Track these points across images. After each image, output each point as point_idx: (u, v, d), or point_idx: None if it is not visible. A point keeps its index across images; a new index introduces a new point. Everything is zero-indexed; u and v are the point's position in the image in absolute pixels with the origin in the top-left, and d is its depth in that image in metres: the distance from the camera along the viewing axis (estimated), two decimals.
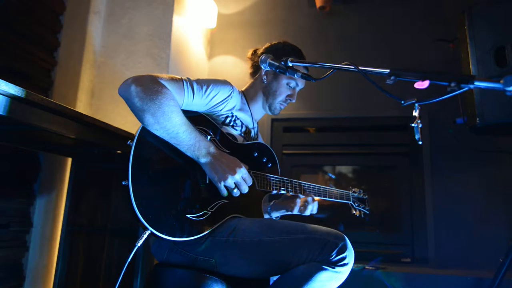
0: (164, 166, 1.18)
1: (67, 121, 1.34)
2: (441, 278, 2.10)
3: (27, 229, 2.09)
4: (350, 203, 1.87)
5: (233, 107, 1.43)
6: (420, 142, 0.98)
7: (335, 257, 1.12)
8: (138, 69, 2.43)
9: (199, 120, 1.30)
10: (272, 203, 1.68)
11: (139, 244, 1.10)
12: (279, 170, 1.56)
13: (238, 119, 1.47)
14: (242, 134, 1.50)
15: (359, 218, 1.91)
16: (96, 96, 2.44)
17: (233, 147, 1.37)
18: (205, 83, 1.32)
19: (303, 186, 1.59)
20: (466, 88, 0.91)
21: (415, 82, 0.96)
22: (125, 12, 2.54)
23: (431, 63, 2.69)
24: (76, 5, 2.40)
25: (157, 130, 1.13)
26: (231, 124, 1.44)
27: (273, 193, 1.47)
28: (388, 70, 1.00)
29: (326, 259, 1.12)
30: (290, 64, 1.25)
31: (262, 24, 3.06)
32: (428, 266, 2.45)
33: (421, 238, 2.52)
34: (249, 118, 1.56)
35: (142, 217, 1.05)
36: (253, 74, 1.65)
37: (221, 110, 1.38)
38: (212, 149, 1.22)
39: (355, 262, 1.19)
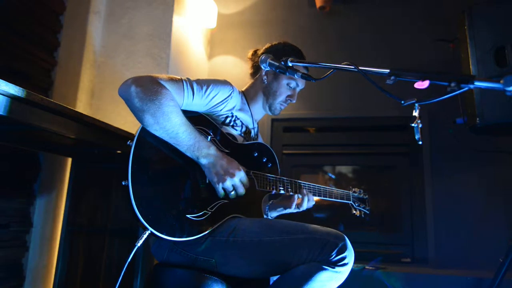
0: (164, 166, 1.18)
1: (67, 121, 1.34)
2: (441, 278, 2.10)
3: (27, 229, 2.09)
4: (351, 203, 1.87)
5: (233, 107, 1.43)
6: (420, 142, 0.98)
7: (335, 257, 1.12)
8: (138, 69, 2.43)
9: (199, 120, 1.30)
10: (270, 202, 1.68)
11: (139, 244, 1.10)
12: (279, 170, 1.56)
13: (238, 119, 1.47)
14: (242, 134, 1.50)
15: (359, 218, 1.91)
16: (96, 96, 2.44)
17: (233, 147, 1.37)
18: (205, 83, 1.32)
19: (303, 186, 1.59)
20: (466, 88, 0.91)
21: (415, 82, 0.96)
22: (125, 12, 2.54)
23: (431, 63, 2.69)
24: (76, 5, 2.40)
25: (156, 130, 1.13)
26: (231, 124, 1.44)
27: (273, 193, 1.47)
28: (388, 70, 1.00)
29: (326, 259, 1.12)
30: (290, 64, 1.25)
31: (262, 24, 3.06)
32: (428, 266, 2.45)
33: (421, 238, 2.52)
34: (249, 118, 1.56)
35: (142, 217, 1.05)
36: (253, 74, 1.65)
37: (221, 110, 1.38)
38: (212, 149, 1.22)
39: (355, 262, 1.19)
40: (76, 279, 2.02)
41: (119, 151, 1.71)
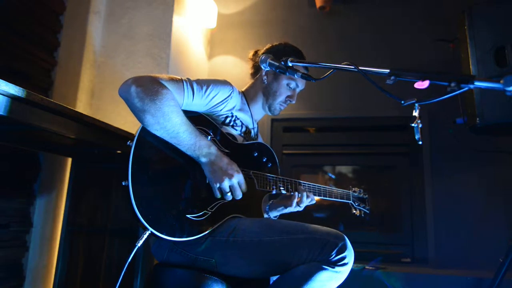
0: (164, 166, 1.18)
1: (67, 121, 1.34)
2: (441, 278, 2.10)
3: (27, 229, 2.09)
4: (351, 203, 1.87)
5: (233, 107, 1.43)
6: (420, 142, 0.98)
7: (335, 257, 1.12)
8: (138, 69, 2.43)
9: (199, 120, 1.30)
10: (270, 202, 1.68)
11: (139, 244, 1.10)
12: (279, 170, 1.56)
13: (238, 119, 1.47)
14: (242, 134, 1.50)
15: (359, 218, 1.91)
16: (96, 96, 2.44)
17: (233, 147, 1.37)
18: (205, 83, 1.32)
19: (303, 185, 1.59)
20: (466, 88, 0.91)
21: (415, 82, 0.96)
22: (125, 12, 2.54)
23: (431, 63, 2.69)
24: (76, 5, 2.40)
25: (157, 130, 1.13)
26: (231, 124, 1.44)
27: (273, 192, 1.47)
28: (388, 70, 1.00)
29: (326, 259, 1.12)
30: (290, 64, 1.25)
31: (262, 24, 3.06)
32: (428, 266, 2.45)
33: (421, 238, 2.52)
34: (249, 118, 1.56)
35: (142, 217, 1.05)
36: (253, 74, 1.65)
37: (221, 110, 1.38)
38: (213, 149, 1.22)
39: (355, 262, 1.19)
40: (76, 279, 2.02)
41: (119, 151, 1.71)
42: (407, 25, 2.83)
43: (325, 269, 1.12)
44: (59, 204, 2.18)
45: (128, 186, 1.05)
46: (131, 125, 1.89)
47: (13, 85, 1.08)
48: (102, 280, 1.99)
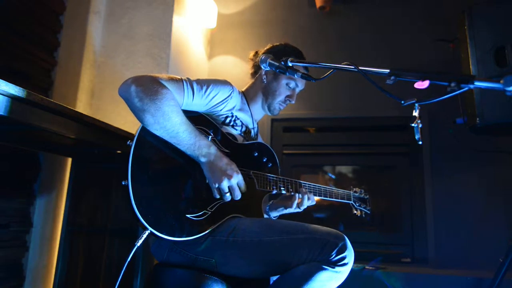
0: (164, 166, 1.18)
1: (67, 121, 1.34)
2: (441, 278, 2.10)
3: (27, 229, 2.09)
4: (351, 203, 1.87)
5: (233, 107, 1.43)
6: (420, 142, 0.98)
7: (335, 257, 1.12)
8: (138, 69, 2.43)
9: (199, 120, 1.30)
10: (270, 203, 1.68)
11: (138, 244, 1.10)
12: (279, 170, 1.56)
13: (238, 119, 1.47)
14: (242, 134, 1.50)
15: (360, 218, 1.91)
16: (96, 96, 2.44)
17: (233, 147, 1.37)
18: (205, 83, 1.32)
19: (303, 186, 1.59)
20: (466, 88, 0.91)
21: (415, 82, 0.96)
22: (125, 12, 2.54)
23: (431, 63, 2.69)
24: (76, 5, 2.40)
25: (157, 130, 1.13)
26: (231, 124, 1.44)
27: (273, 193, 1.47)
28: (388, 70, 1.00)
29: (326, 259, 1.12)
30: (290, 64, 1.25)
31: (262, 24, 3.06)
32: (428, 266, 2.45)
33: (421, 238, 2.52)
34: (249, 118, 1.56)
35: (142, 217, 1.05)
36: (253, 74, 1.66)
37: (221, 110, 1.38)
38: (213, 149, 1.22)
39: (355, 262, 1.19)
40: (76, 279, 2.02)
41: (119, 151, 1.71)
42: (407, 25, 2.83)
43: (325, 269, 1.12)
44: (59, 204, 2.18)
45: (128, 185, 1.05)
46: (131, 125, 1.89)
47: (13, 85, 1.08)
48: (102, 280, 1.99)
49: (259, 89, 1.60)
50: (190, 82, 1.28)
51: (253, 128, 1.61)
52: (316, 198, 1.63)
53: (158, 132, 1.14)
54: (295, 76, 1.24)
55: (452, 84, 0.91)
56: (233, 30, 3.10)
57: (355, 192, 1.90)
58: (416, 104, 0.98)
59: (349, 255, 1.15)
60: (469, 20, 1.97)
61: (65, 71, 2.31)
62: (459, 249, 2.43)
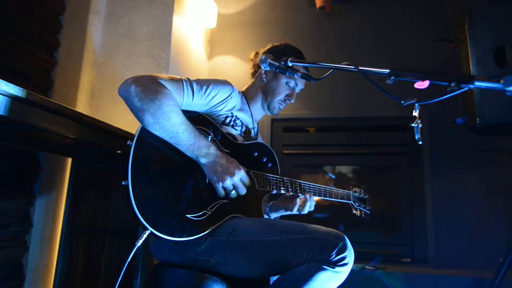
0: (164, 166, 1.18)
1: (67, 121, 1.34)
2: (441, 278, 2.10)
3: (27, 229, 2.09)
4: (351, 203, 1.87)
5: (233, 107, 1.43)
6: (420, 142, 0.98)
7: (335, 257, 1.12)
8: (138, 69, 2.43)
9: (199, 120, 1.30)
10: (270, 203, 1.68)
11: (139, 244, 1.10)
12: (279, 170, 1.56)
13: (238, 119, 1.47)
14: (242, 134, 1.50)
15: (359, 218, 1.91)
16: (96, 96, 2.44)
17: (233, 147, 1.37)
18: (205, 83, 1.32)
19: (303, 186, 1.59)
20: (466, 88, 0.91)
21: (415, 82, 0.96)
22: (125, 12, 2.54)
23: (431, 63, 2.69)
24: (76, 5, 2.40)
25: (156, 130, 1.13)
26: (231, 124, 1.44)
27: (273, 193, 1.47)
28: (388, 70, 1.00)
29: (326, 259, 1.12)
30: (290, 64, 1.25)
31: (262, 24, 3.06)
32: (428, 266, 2.45)
33: (421, 238, 2.52)
34: (249, 118, 1.56)
35: (142, 217, 1.05)
36: (253, 74, 1.66)
37: (221, 110, 1.38)
38: (212, 149, 1.22)
39: (355, 262, 1.19)
40: (76, 279, 2.02)
41: (119, 151, 1.71)
42: (407, 25, 2.83)
43: (325, 269, 1.11)
44: (59, 204, 2.18)
45: (128, 185, 1.05)
46: (131, 125, 1.89)
47: (13, 85, 1.08)
48: (102, 280, 1.99)
49: (259, 88, 1.60)
50: (190, 82, 1.28)
51: (253, 128, 1.61)
52: (316, 198, 1.63)
53: (157, 132, 1.14)
54: (295, 76, 1.24)
55: (452, 84, 0.91)
56: (233, 30, 3.10)
57: (355, 192, 1.90)
58: (416, 104, 0.98)
59: (349, 255, 1.15)
60: (469, 20, 1.97)
61: (65, 71, 2.31)
62: (459, 249, 2.43)
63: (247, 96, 1.61)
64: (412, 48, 2.78)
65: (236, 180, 1.22)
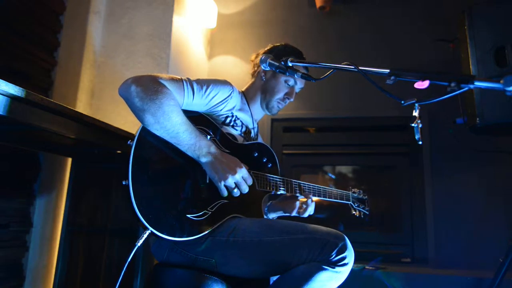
0: (164, 166, 1.18)
1: (67, 121, 1.34)
2: (441, 278, 2.10)
3: (27, 229, 2.09)
4: (350, 204, 1.87)
5: (233, 107, 1.43)
6: (420, 142, 0.98)
7: (335, 257, 1.12)
8: (138, 69, 2.43)
9: (199, 120, 1.30)
10: (269, 203, 1.68)
11: (139, 244, 1.10)
12: (279, 170, 1.56)
13: (238, 119, 1.47)
14: (242, 134, 1.50)
15: (358, 219, 1.91)
16: (96, 96, 2.44)
17: (233, 147, 1.37)
18: (205, 83, 1.32)
19: (303, 186, 1.59)
20: (466, 88, 0.91)
21: (415, 82, 0.96)
22: (125, 12, 2.54)
23: (431, 63, 2.69)
24: (76, 5, 2.40)
25: (157, 130, 1.13)
26: (231, 124, 1.44)
27: (272, 193, 1.47)
28: (388, 70, 1.00)
29: (326, 259, 1.12)
30: (290, 64, 1.25)
31: (262, 24, 3.06)
32: (428, 266, 2.45)
33: (421, 238, 2.52)
34: (249, 118, 1.56)
35: (142, 217, 1.05)
36: (253, 74, 1.66)
37: (221, 110, 1.38)
38: (213, 148, 1.22)
39: (355, 262, 1.19)
40: (76, 279, 2.02)
41: (119, 151, 1.71)
42: (407, 25, 2.83)
43: (325, 269, 1.12)
44: (59, 204, 2.18)
45: (128, 185, 1.05)
46: (131, 125, 1.89)
47: (13, 85, 1.08)
48: (102, 280, 1.99)
49: (258, 87, 1.60)
50: (190, 82, 1.28)
51: (253, 128, 1.61)
52: (315, 198, 1.63)
53: (158, 132, 1.14)
54: (295, 76, 1.24)
55: (452, 84, 0.91)
56: (233, 30, 3.10)
57: (354, 192, 1.90)
58: (416, 104, 0.98)
59: (349, 255, 1.15)
60: (469, 20, 1.97)
61: (65, 71, 2.31)
62: (459, 249, 2.43)
63: (247, 96, 1.61)
64: (412, 48, 2.78)
65: (238, 178, 1.22)
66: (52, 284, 2.03)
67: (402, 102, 1.00)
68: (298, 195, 1.56)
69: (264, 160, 1.50)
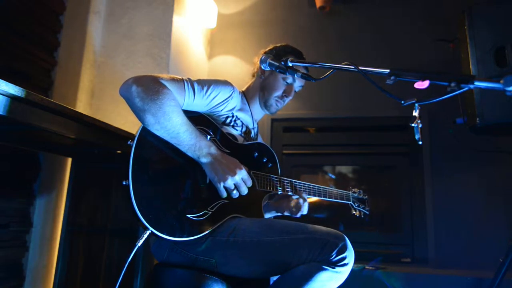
0: (165, 166, 1.18)
1: (67, 121, 1.34)
2: (441, 278, 2.11)
3: (27, 229, 2.09)
4: (350, 204, 1.87)
5: (234, 108, 1.43)
6: (420, 142, 0.98)
7: (335, 257, 1.12)
8: (138, 69, 2.43)
9: (200, 120, 1.30)
10: (265, 203, 1.67)
11: (139, 244, 1.10)
12: (279, 170, 1.56)
13: (238, 119, 1.47)
14: (242, 134, 1.50)
15: (359, 219, 1.91)
16: (96, 96, 2.44)
17: (234, 147, 1.37)
18: (206, 84, 1.32)
19: (303, 186, 1.59)
20: (466, 88, 0.91)
21: (415, 82, 0.96)
22: (125, 12, 2.54)
23: (431, 63, 2.69)
24: (76, 5, 2.40)
25: (157, 130, 1.13)
26: (232, 124, 1.44)
27: (272, 193, 1.47)
28: (388, 70, 1.00)
29: (326, 259, 1.12)
30: (290, 64, 1.25)
31: (262, 24, 3.06)
32: (428, 266, 2.45)
33: (421, 238, 2.52)
34: (249, 118, 1.56)
35: (143, 217, 1.05)
36: (253, 75, 1.66)
37: (221, 110, 1.38)
38: (213, 149, 1.22)
39: (355, 262, 1.19)
40: (76, 279, 2.02)
41: (119, 151, 1.71)
42: (407, 25, 2.83)
43: (325, 269, 1.12)
44: (59, 204, 2.18)
45: (128, 185, 1.05)
46: (131, 125, 1.89)
47: (13, 85, 1.08)
48: (102, 280, 1.99)
49: (257, 86, 1.61)
50: (191, 82, 1.28)
51: (253, 128, 1.61)
52: (315, 198, 1.62)
53: (158, 132, 1.14)
54: (295, 76, 1.24)
55: (452, 84, 0.91)
56: (233, 30, 3.10)
57: (354, 192, 1.90)
58: (416, 104, 0.98)
59: (349, 255, 1.15)
60: (469, 20, 1.97)
61: (65, 71, 2.31)
62: (459, 249, 2.43)
63: (247, 96, 1.61)
64: (412, 48, 2.78)
65: (238, 179, 1.22)
66: (52, 284, 2.03)
67: (402, 102, 1.00)
68: (290, 194, 1.54)
69: (264, 160, 1.50)
